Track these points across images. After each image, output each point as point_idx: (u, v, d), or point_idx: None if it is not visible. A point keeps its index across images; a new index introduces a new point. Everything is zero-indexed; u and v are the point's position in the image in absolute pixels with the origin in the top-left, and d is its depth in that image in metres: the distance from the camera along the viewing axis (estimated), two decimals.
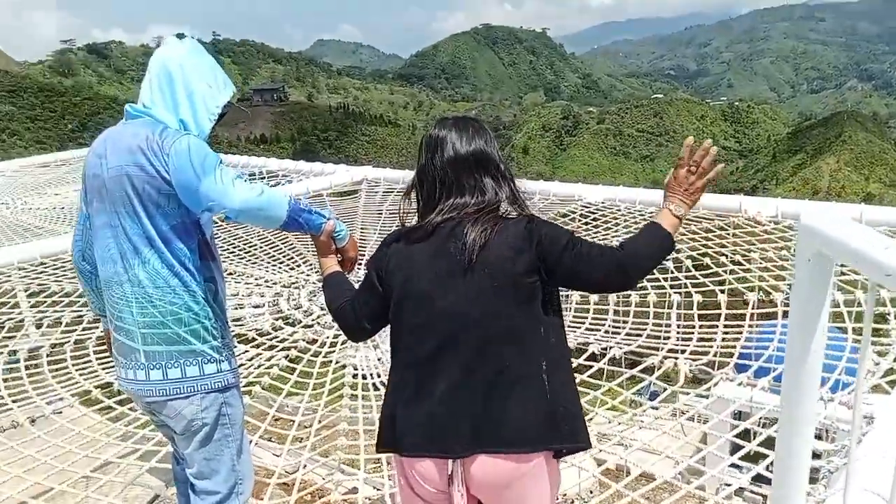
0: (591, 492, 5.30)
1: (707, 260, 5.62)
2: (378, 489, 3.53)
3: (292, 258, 6.59)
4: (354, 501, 3.36)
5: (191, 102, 2.24)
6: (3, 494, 3.27)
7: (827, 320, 1.19)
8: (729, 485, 3.37)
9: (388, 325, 2.08)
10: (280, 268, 6.39)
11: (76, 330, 4.98)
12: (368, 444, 3.67)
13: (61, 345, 4.78)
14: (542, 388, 1.91)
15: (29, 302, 5.39)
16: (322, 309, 5.37)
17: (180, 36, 2.39)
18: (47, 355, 4.62)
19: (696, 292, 5.13)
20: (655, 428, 3.91)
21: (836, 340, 3.92)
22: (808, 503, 1.85)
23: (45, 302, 5.36)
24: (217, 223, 2.95)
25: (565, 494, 4.44)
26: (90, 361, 4.58)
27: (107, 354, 4.66)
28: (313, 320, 5.21)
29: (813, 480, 2.98)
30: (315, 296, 5.65)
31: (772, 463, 3.08)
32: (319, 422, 3.90)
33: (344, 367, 4.49)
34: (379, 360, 4.60)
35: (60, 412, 4.04)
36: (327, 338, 4.91)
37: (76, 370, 4.46)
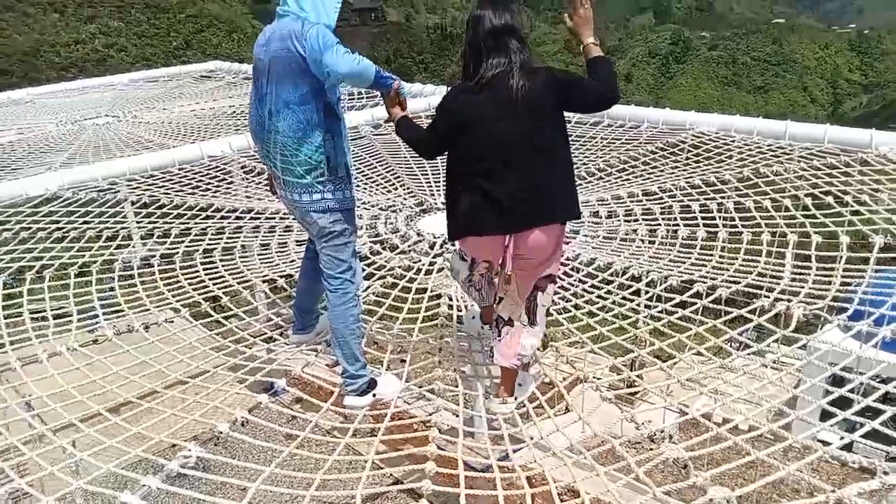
0: (672, 436, 5.17)
1: (829, 199, 5.20)
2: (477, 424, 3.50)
3: (390, 181, 6.57)
4: (446, 430, 3.34)
5: (322, 3, 3.15)
6: (112, 394, 3.44)
7: None
8: (825, 442, 3.12)
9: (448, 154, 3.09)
10: (377, 190, 6.40)
11: (184, 241, 5.17)
12: (465, 375, 3.66)
13: (170, 256, 4.97)
14: (570, 184, 3.05)
15: (139, 214, 5.61)
16: (419, 235, 5.35)
17: None
18: (158, 265, 4.81)
19: (814, 232, 4.78)
20: (751, 374, 3.68)
21: None
22: None
23: (156, 214, 5.57)
24: None
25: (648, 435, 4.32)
26: (198, 273, 4.74)
27: (214, 267, 4.84)
28: (410, 247, 5.20)
29: None
30: (412, 221, 5.63)
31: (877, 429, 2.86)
32: (414, 349, 3.91)
33: (439, 296, 4.46)
34: None
35: (172, 321, 4.21)
36: (423, 265, 4.90)
37: (186, 280, 4.63)
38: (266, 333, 4.19)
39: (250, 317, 4.34)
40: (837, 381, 3.49)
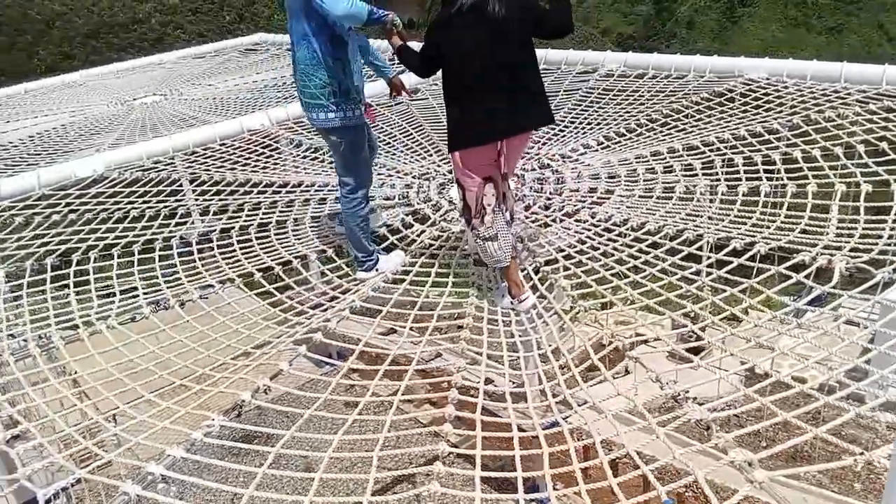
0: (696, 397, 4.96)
1: (884, 145, 4.90)
2: (497, 384, 3.49)
3: (425, 147, 6.52)
4: (475, 391, 3.30)
5: None
6: (149, 373, 3.55)
7: None
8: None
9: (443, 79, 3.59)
10: (412, 157, 6.36)
11: (222, 218, 5.28)
12: (492, 340, 3.64)
13: (207, 234, 5.09)
14: (544, 95, 3.65)
15: (179, 192, 5.75)
16: (451, 203, 5.30)
17: None
18: (196, 242, 4.93)
19: (864, 182, 4.51)
20: (809, 329, 3.48)
21: None
22: None
23: (196, 190, 5.70)
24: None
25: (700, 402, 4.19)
26: (233, 249, 4.84)
27: (250, 245, 4.91)
28: (441, 217, 5.16)
29: None
30: (444, 188, 5.58)
31: None
32: (448, 316, 3.92)
33: (468, 263, 4.43)
34: None
35: (207, 297, 4.30)
36: (452, 233, 4.87)
37: (221, 256, 4.73)
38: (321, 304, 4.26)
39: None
40: None
